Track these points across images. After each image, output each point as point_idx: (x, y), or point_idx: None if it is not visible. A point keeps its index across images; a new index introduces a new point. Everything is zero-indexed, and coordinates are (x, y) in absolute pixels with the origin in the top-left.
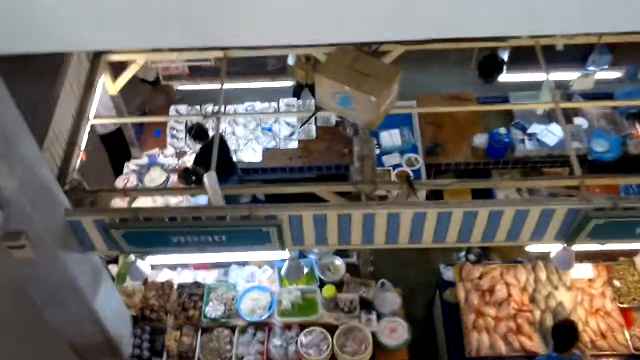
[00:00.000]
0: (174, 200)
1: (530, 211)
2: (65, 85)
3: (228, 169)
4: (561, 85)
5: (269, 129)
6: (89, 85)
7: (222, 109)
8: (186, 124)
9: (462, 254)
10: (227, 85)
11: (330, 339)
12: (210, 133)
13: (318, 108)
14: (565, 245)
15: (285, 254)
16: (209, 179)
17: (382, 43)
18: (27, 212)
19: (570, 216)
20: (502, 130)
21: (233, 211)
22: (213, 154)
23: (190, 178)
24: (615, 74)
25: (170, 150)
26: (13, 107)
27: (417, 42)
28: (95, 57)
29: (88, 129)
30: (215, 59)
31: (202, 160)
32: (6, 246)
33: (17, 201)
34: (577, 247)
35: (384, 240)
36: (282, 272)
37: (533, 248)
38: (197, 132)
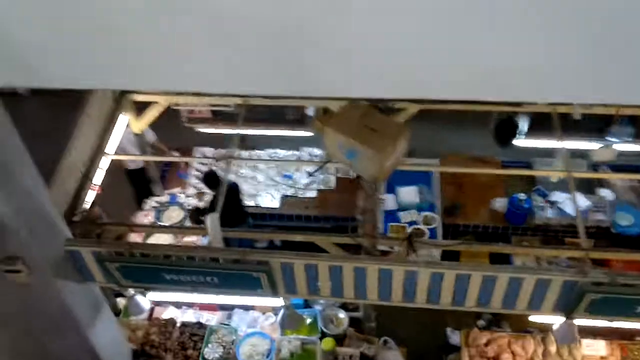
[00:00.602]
0: (189, 240)
1: (525, 279)
2: (85, 119)
3: (237, 215)
4: (581, 155)
5: (290, 177)
6: (110, 121)
7: (235, 154)
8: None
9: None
10: (249, 131)
11: None
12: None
13: (328, 159)
14: (565, 318)
15: (280, 302)
16: (211, 221)
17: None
18: (24, 239)
19: (567, 288)
20: (522, 195)
21: (225, 254)
22: (219, 197)
23: (199, 219)
24: (637, 147)
25: (191, 190)
26: (15, 136)
27: (431, 101)
28: (120, 95)
29: (106, 163)
30: (235, 105)
31: (213, 205)
32: (3, 270)
33: (12, 227)
34: (585, 322)
35: (376, 296)
36: (278, 320)
37: (539, 319)
38: (207, 177)
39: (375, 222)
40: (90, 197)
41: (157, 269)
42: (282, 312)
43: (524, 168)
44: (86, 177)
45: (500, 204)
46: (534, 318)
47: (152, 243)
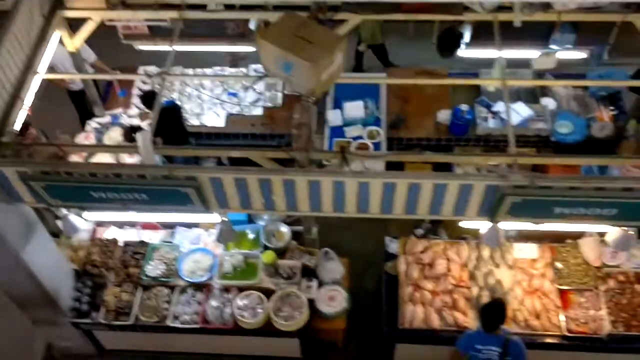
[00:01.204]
0: (130, 160)
1: (448, 185)
2: (10, 38)
3: (178, 134)
4: (523, 64)
5: (235, 94)
6: (41, 40)
7: (170, 71)
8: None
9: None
10: (187, 48)
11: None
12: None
13: (265, 73)
14: (492, 222)
15: (216, 217)
16: (142, 138)
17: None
18: None
19: (490, 193)
20: (464, 106)
21: (152, 170)
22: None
23: (132, 138)
24: (579, 54)
25: (134, 110)
26: None
27: (372, 11)
28: (50, 13)
29: (37, 83)
30: (171, 19)
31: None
32: None
33: None
34: (515, 226)
35: (308, 208)
36: (215, 235)
37: (474, 226)
38: (145, 97)
39: (309, 135)
40: (21, 117)
41: (83, 187)
42: (218, 226)
43: (467, 78)
44: (15, 97)
45: (444, 116)
46: (468, 225)
47: (76, 162)
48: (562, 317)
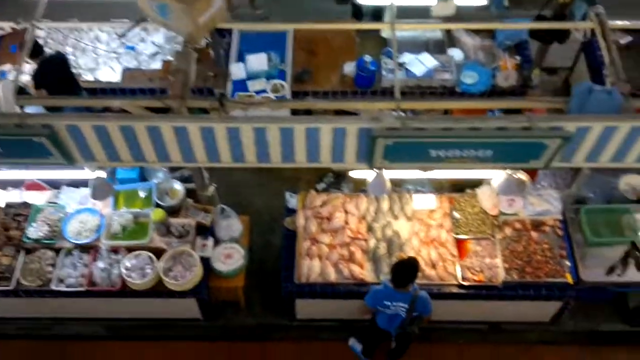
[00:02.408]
0: None
1: (321, 129)
2: None
3: (67, 88)
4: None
5: (132, 48)
6: None
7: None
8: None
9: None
10: None
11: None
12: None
13: (143, 18)
14: (372, 169)
15: (89, 173)
16: (2, 87)
17: None
18: None
19: (364, 137)
20: (368, 58)
21: (2, 119)
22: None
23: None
24: (479, 1)
25: (27, 66)
26: None
27: None
28: None
29: None
30: None
31: (39, 77)
32: None
33: None
34: (396, 173)
35: (180, 158)
36: (89, 191)
37: (360, 174)
38: (32, 51)
39: (186, 82)
40: None
41: None
42: (91, 182)
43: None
44: None
45: (350, 68)
46: (358, 175)
47: None
48: (458, 267)
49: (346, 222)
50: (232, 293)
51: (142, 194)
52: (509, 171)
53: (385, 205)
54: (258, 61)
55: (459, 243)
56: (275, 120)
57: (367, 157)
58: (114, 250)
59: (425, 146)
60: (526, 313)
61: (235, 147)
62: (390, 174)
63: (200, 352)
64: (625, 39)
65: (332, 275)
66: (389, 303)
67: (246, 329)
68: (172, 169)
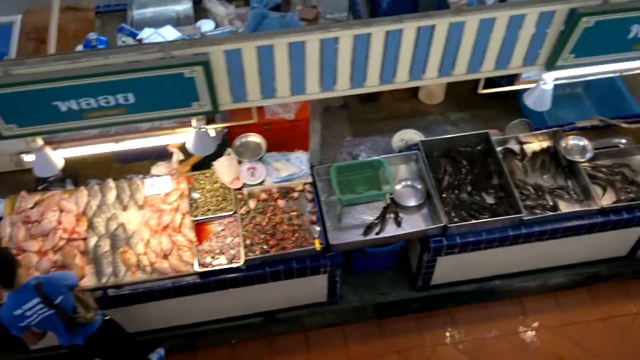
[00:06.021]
0: None
1: None
2: None
3: None
4: None
5: None
6: None
7: None
8: None
9: None
10: None
11: None
12: None
13: None
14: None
15: None
16: None
17: None
18: None
19: None
20: (92, 35)
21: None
22: None
23: None
24: None
25: None
26: None
27: None
28: None
29: None
30: None
31: None
32: None
33: None
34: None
35: None
36: None
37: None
38: None
39: None
40: None
41: None
42: None
43: (121, 11)
44: None
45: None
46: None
47: None
48: (195, 253)
49: (59, 222)
50: None
51: None
52: (195, 124)
53: (111, 196)
54: None
55: (199, 226)
56: None
57: None
58: None
59: (47, 96)
60: (297, 295)
61: None
62: None
63: None
64: None
65: None
66: (21, 310)
67: None
68: None
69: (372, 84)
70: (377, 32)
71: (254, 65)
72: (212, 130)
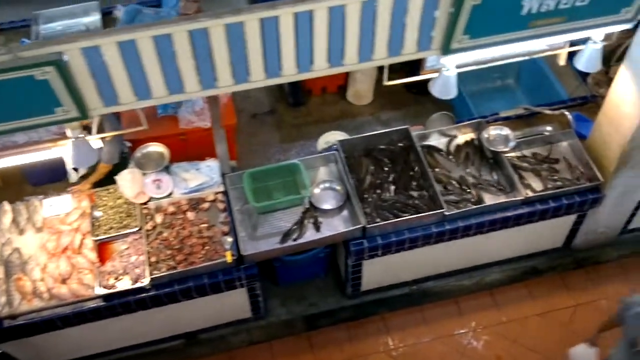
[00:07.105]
0: None
1: None
2: None
3: None
4: None
5: None
6: None
7: None
8: None
9: None
10: None
11: None
12: None
13: None
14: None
15: None
16: None
17: None
18: None
19: None
20: None
21: None
22: None
23: None
24: None
25: None
26: None
27: None
28: None
29: None
30: None
31: None
32: None
33: None
34: None
35: None
36: None
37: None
38: None
39: None
40: None
41: None
42: None
43: (25, 27)
44: None
45: None
46: None
47: None
48: (95, 276)
49: None
50: None
51: None
52: (70, 133)
53: (7, 219)
54: None
55: (103, 246)
56: None
57: None
58: None
59: None
60: (218, 312)
61: None
62: None
63: None
64: None
65: None
66: None
67: None
68: None
69: (257, 78)
70: (251, 20)
71: (118, 63)
72: (97, 139)
